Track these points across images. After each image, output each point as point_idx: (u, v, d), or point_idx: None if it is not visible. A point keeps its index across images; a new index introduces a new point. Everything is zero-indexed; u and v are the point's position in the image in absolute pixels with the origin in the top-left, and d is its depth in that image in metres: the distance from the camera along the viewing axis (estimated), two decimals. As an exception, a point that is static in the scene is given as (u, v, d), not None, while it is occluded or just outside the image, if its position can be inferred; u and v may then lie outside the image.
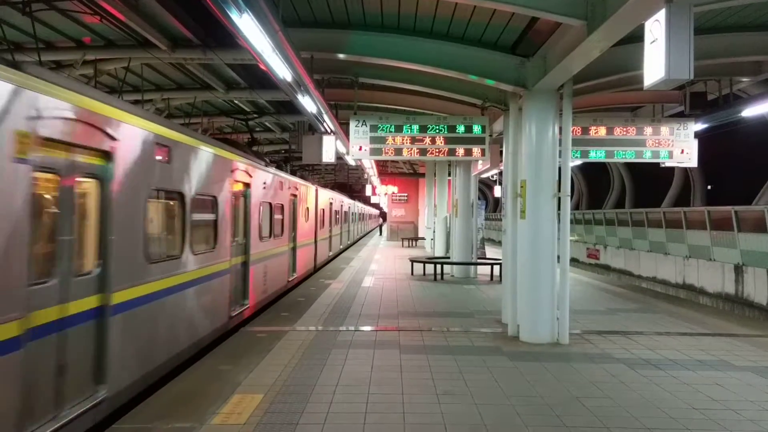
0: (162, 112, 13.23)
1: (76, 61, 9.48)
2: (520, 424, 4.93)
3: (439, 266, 15.59)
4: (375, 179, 30.36)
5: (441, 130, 9.69)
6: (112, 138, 5.16)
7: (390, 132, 9.68)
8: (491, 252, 20.49)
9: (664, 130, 10.15)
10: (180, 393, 5.63)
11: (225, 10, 5.14)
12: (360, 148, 9.69)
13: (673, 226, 19.99)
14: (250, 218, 9.95)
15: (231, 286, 8.88)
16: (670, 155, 10.20)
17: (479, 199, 17.15)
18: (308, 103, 9.22)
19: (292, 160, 22.00)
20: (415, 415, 5.07)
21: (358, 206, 43.15)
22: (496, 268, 14.51)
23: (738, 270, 16.03)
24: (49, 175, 4.37)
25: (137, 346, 5.74)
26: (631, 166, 25.81)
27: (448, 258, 17.38)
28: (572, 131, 8.26)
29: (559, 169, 8.05)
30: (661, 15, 4.43)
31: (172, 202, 6.85)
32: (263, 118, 15.98)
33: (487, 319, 9.62)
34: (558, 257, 8.08)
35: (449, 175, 19.47)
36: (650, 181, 23.99)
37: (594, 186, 30.84)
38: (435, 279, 15.25)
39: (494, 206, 47.70)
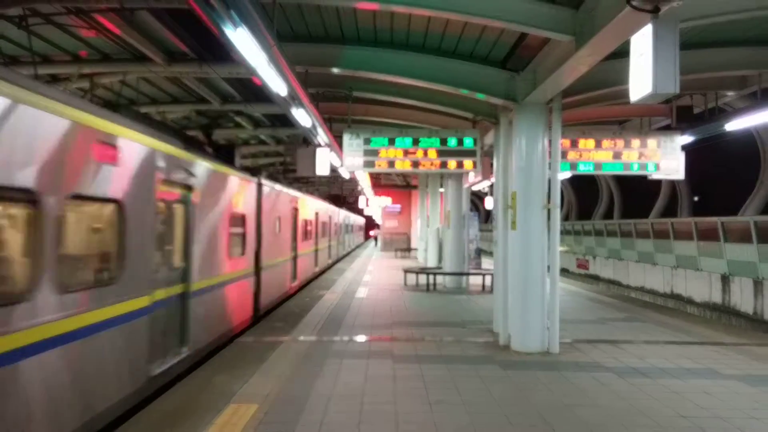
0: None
1: (72, 75, 9.54)
2: None
3: (431, 277, 15.68)
4: (368, 191, 30.45)
5: (433, 143, 9.82)
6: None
7: (383, 145, 9.81)
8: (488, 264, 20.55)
9: (652, 142, 10.30)
10: (175, 403, 5.67)
11: (220, 24, 5.21)
12: (353, 161, 9.81)
13: (660, 236, 20.21)
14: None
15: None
16: (658, 167, 10.34)
17: (471, 210, 17.24)
18: (303, 117, 9.31)
19: (287, 172, 22.04)
20: (408, 424, 5.14)
21: (352, 217, 43.12)
22: (488, 278, 14.61)
23: (724, 279, 16.22)
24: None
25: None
26: (619, 179, 26.05)
27: (441, 268, 17.47)
28: (561, 144, 8.41)
29: (549, 181, 8.19)
30: (647, 30, 4.51)
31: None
32: (258, 130, 16.05)
33: (479, 329, 9.71)
34: (548, 267, 8.20)
35: (441, 187, 19.60)
36: (638, 193, 24.21)
37: (583, 197, 31.06)
38: (428, 289, 15.33)
39: (485, 218, 47.85)
